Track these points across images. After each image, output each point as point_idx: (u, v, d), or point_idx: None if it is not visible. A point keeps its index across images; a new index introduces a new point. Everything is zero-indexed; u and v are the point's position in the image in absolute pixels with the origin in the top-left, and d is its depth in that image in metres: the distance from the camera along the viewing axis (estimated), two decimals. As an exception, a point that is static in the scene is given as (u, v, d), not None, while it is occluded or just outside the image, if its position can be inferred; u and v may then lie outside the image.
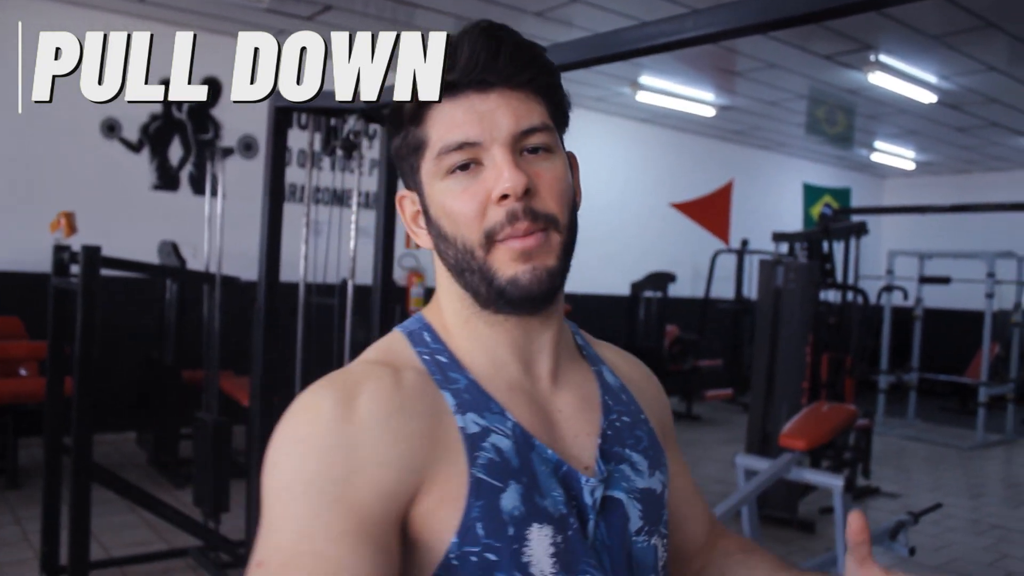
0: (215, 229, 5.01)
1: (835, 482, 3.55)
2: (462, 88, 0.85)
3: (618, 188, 10.25)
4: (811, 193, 12.74)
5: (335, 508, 0.76)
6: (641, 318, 9.52)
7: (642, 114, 10.06)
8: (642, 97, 8.98)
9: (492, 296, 0.87)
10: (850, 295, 7.18)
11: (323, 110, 2.52)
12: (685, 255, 10.93)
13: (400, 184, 0.99)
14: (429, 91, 0.84)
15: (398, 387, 0.84)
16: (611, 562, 0.87)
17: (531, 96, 0.88)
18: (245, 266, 5.23)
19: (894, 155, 11.87)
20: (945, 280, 9.54)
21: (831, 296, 7.84)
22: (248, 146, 7.51)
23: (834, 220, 6.78)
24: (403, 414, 0.82)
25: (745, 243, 10.62)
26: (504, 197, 0.84)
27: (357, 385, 0.83)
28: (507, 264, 0.85)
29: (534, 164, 0.87)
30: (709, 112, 9.60)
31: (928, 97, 8.29)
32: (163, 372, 6.16)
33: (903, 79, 7.67)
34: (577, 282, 7.60)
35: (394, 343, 0.92)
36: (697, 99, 9.13)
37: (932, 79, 7.74)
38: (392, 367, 0.86)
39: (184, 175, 7.27)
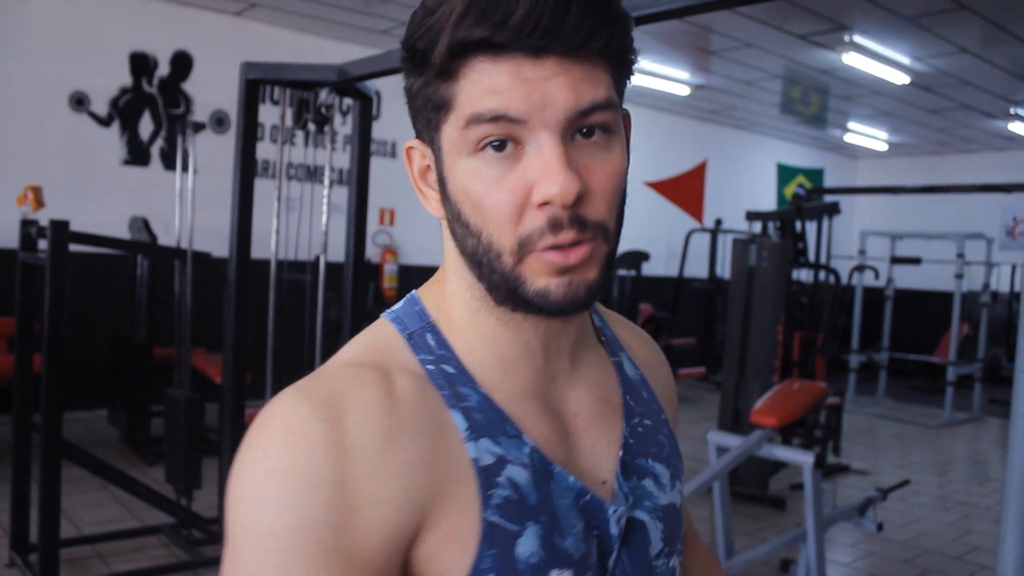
0: (186, 204, 4.96)
1: (805, 459, 3.58)
2: (511, 48, 0.65)
3: None
4: (785, 173, 12.81)
5: (331, 561, 0.62)
6: (615, 297, 9.55)
7: (618, 93, 10.03)
8: (618, 75, 8.95)
9: (512, 300, 0.72)
10: (822, 274, 7.24)
11: (295, 83, 2.49)
12: (659, 234, 10.96)
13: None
14: (465, 39, 0.65)
15: (393, 400, 0.69)
16: None
17: (598, 64, 0.68)
18: (217, 242, 5.17)
19: (867, 136, 11.95)
20: (916, 260, 9.63)
21: (803, 276, 7.91)
22: (220, 121, 7.42)
23: (807, 200, 6.81)
24: (403, 436, 0.67)
25: (719, 222, 10.67)
26: (547, 203, 0.67)
27: (344, 398, 0.67)
28: (539, 275, 0.69)
29: (588, 155, 0.68)
30: (684, 91, 9.60)
31: (901, 78, 8.34)
32: (134, 349, 6.11)
33: (877, 60, 7.70)
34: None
35: (386, 341, 0.75)
36: (672, 78, 9.13)
37: (905, 60, 7.78)
38: (382, 371, 0.71)
39: (155, 150, 7.17)
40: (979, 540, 5.18)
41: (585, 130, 0.68)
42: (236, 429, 2.64)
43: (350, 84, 2.43)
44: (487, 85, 0.65)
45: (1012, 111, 9.69)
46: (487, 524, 0.68)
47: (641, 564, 0.78)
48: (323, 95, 2.49)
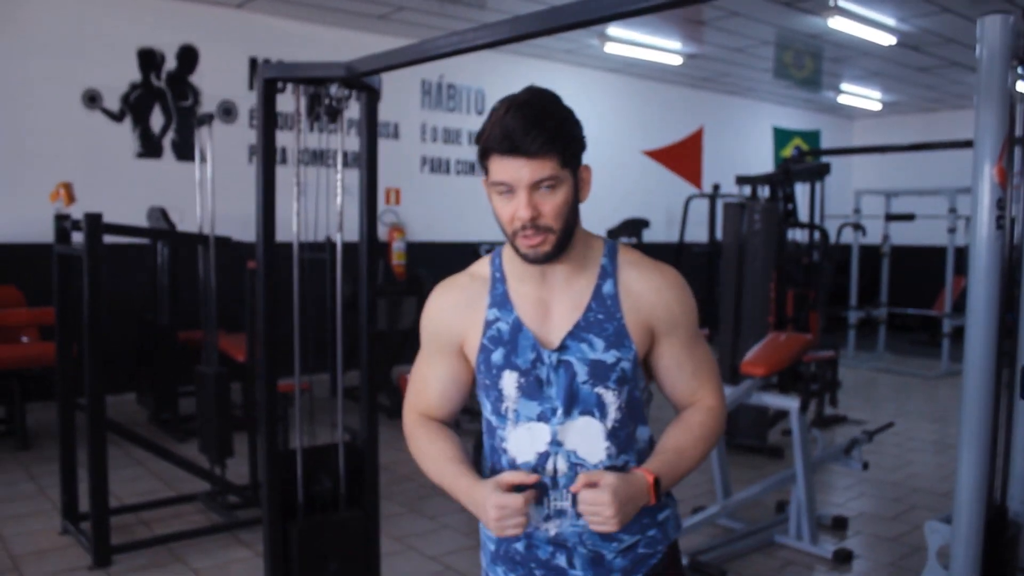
0: (206, 192, 5.23)
1: (791, 404, 3.86)
2: (503, 152, 1.41)
3: (591, 138, 10.10)
4: (781, 136, 13.00)
5: (432, 348, 1.63)
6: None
7: (611, 64, 10.25)
8: (610, 48, 9.17)
9: (518, 254, 1.49)
10: (816, 234, 7.48)
11: (308, 80, 2.74)
12: (659, 201, 11.20)
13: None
14: (487, 149, 1.45)
15: (463, 290, 1.60)
16: (558, 394, 1.51)
17: (546, 157, 1.40)
18: (230, 227, 5.46)
19: (861, 96, 12.12)
20: (910, 217, 9.84)
21: (802, 236, 8.15)
22: (228, 111, 7.68)
23: (798, 162, 7.04)
24: (462, 304, 1.58)
25: (717, 187, 10.89)
26: (520, 219, 1.44)
27: (450, 285, 1.62)
28: (523, 246, 1.46)
29: (543, 197, 1.43)
30: (677, 60, 9.80)
31: (888, 39, 8.52)
32: (159, 333, 6.41)
33: (862, 23, 7.89)
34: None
35: (483, 261, 1.63)
36: (664, 48, 9.33)
37: (891, 22, 7.97)
38: (471, 276, 1.61)
39: (167, 142, 7.44)
40: (967, 479, 5.44)
41: (543, 187, 1.42)
42: (271, 399, 2.91)
43: (357, 79, 2.69)
44: (497, 167, 1.43)
45: (1000, 66, 9.85)
46: (482, 344, 1.56)
47: (566, 382, 1.51)
48: (333, 89, 2.74)
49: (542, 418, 1.52)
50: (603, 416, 1.52)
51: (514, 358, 1.52)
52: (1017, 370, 3.04)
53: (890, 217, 10.11)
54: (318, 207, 3.29)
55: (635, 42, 9.02)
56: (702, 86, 11.54)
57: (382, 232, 8.64)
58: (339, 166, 3.02)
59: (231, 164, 7.39)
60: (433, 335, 1.61)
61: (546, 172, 1.41)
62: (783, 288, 6.32)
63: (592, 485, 1.41)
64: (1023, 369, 1.25)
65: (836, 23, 7.84)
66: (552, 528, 1.53)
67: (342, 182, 3.04)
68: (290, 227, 3.00)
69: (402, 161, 8.93)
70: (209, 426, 4.48)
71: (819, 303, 6.98)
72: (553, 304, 1.54)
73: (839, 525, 4.50)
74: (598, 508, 1.39)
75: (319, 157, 3.25)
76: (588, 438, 1.51)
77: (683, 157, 11.79)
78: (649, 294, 1.54)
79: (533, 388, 1.52)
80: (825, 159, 9.28)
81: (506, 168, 1.41)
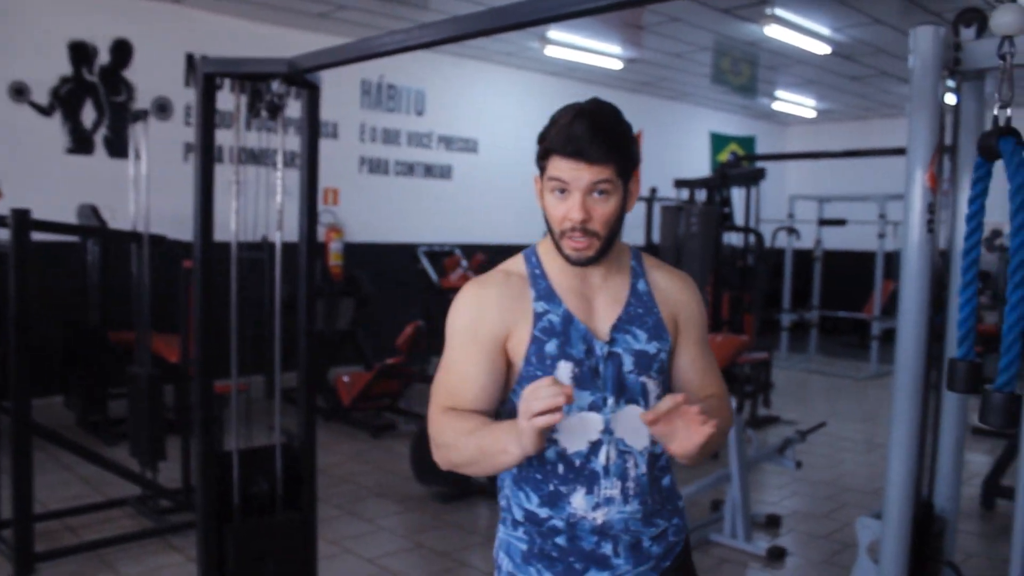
0: (140, 190, 5.11)
1: (729, 406, 3.92)
2: (565, 155, 1.50)
3: (530, 141, 10.27)
4: (718, 141, 13.20)
5: (472, 344, 1.57)
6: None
7: (552, 68, 10.30)
8: (551, 51, 9.21)
9: (561, 253, 1.57)
10: (751, 238, 7.61)
11: (250, 76, 2.69)
12: (598, 205, 11.26)
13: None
14: (551, 149, 1.53)
15: (505, 285, 1.60)
16: (608, 383, 1.56)
17: (605, 164, 1.49)
18: (164, 226, 5.33)
19: (795, 104, 12.37)
20: (841, 222, 10.07)
21: (735, 240, 8.28)
22: (163, 108, 7.51)
23: (734, 167, 7.15)
24: (507, 296, 1.58)
25: (654, 191, 10.99)
26: (571, 220, 1.51)
27: (486, 282, 1.62)
28: (567, 247, 1.54)
29: (596, 202, 1.51)
30: (616, 65, 9.88)
31: (823, 48, 8.71)
32: (89, 334, 6.24)
33: (798, 31, 8.06)
34: (492, 234, 7.88)
35: (517, 259, 1.66)
36: (605, 52, 9.40)
37: (825, 31, 8.15)
38: (507, 273, 1.63)
39: (99, 138, 7.25)
40: (896, 478, 5.59)
41: (598, 191, 1.50)
42: (206, 399, 2.85)
43: (299, 75, 2.66)
44: (557, 166, 1.51)
45: (928, 76, 10.14)
46: (533, 335, 1.56)
47: (615, 372, 1.57)
48: (275, 85, 2.70)
49: (593, 407, 1.56)
50: (646, 404, 1.59)
51: (568, 348, 1.55)
52: (944, 366, 3.13)
53: (823, 222, 10.34)
54: (256, 207, 3.24)
55: (575, 45, 9.08)
56: (641, 90, 11.66)
57: (320, 232, 8.54)
58: (279, 164, 2.98)
59: (166, 162, 7.22)
60: (473, 330, 1.58)
61: (604, 175, 1.49)
62: (719, 291, 6.42)
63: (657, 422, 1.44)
64: (950, 361, 1.28)
65: (772, 31, 7.99)
66: (600, 516, 1.55)
67: (282, 180, 2.99)
68: (226, 226, 2.95)
69: (341, 161, 8.85)
70: (141, 428, 4.38)
71: (754, 306, 7.10)
72: (594, 299, 1.62)
73: (772, 523, 4.58)
74: (696, 419, 1.41)
75: (256, 157, 3.20)
76: (634, 426, 1.57)
77: (622, 161, 11.87)
78: (676, 293, 1.68)
79: (587, 378, 1.56)
80: (760, 164, 9.46)
81: (566, 169, 1.50)
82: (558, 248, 1.56)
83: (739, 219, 8.92)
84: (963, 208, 3.12)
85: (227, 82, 2.79)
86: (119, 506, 4.54)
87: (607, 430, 1.55)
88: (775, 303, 10.69)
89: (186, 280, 4.54)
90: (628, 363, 1.58)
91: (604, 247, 1.55)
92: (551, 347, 1.55)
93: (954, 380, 1.27)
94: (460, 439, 1.52)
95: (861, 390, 8.89)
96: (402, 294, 8.64)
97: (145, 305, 4.58)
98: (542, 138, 1.55)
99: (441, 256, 8.43)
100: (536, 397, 1.34)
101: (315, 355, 3.11)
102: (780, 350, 10.30)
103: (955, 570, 3.16)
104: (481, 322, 1.57)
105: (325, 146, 8.23)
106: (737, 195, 9.03)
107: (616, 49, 9.35)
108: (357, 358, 7.74)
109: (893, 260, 10.71)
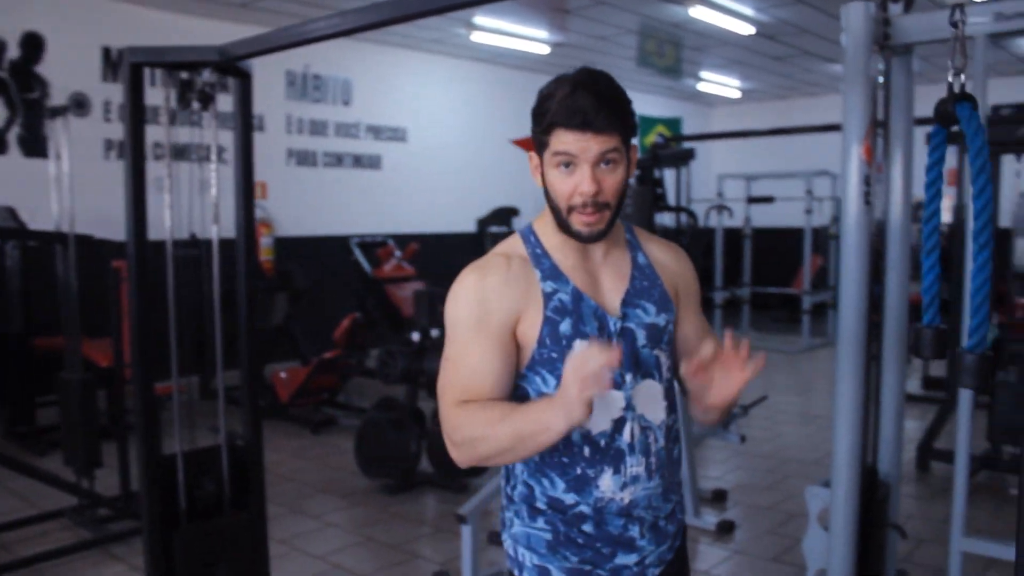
0: (63, 189, 4.92)
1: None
2: (572, 127, 1.45)
3: (460, 128, 10.45)
4: (645, 123, 13.29)
5: (480, 333, 1.50)
6: (486, 252, 9.79)
7: (479, 54, 10.24)
8: (477, 37, 9.16)
9: (564, 231, 1.53)
10: (683, 217, 7.69)
11: (178, 64, 2.60)
12: (528, 189, 11.21)
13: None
14: (555, 122, 1.47)
15: (508, 268, 1.54)
16: (625, 359, 1.54)
17: (612, 133, 1.46)
18: (87, 226, 5.15)
19: (720, 84, 12.53)
20: (769, 199, 10.25)
21: (669, 220, 8.36)
22: (80, 104, 7.25)
23: (663, 148, 7.21)
24: (511, 279, 1.53)
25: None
26: (582, 195, 1.47)
27: (486, 267, 1.55)
28: (577, 223, 1.50)
29: (604, 172, 1.47)
30: (544, 50, 9.87)
31: (747, 29, 8.83)
32: (11, 341, 6.01)
33: (722, 12, 8.14)
34: (425, 223, 7.82)
35: (513, 241, 1.61)
36: (531, 37, 9.38)
37: (749, 11, 8.25)
38: (507, 256, 1.57)
39: (12, 137, 6.96)
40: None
41: (605, 161, 1.47)
42: (147, 402, 2.76)
43: (231, 64, 2.57)
44: (563, 139, 1.46)
45: (847, 54, 10.36)
46: (546, 316, 1.51)
47: (630, 347, 1.55)
48: (205, 74, 2.61)
49: (613, 385, 1.52)
50: (660, 377, 1.59)
51: (582, 327, 1.52)
52: (884, 339, 3.20)
53: (751, 200, 10.50)
54: (186, 203, 3.14)
55: (502, 31, 9.04)
56: (568, 75, 11.66)
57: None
58: (213, 157, 2.88)
59: (86, 160, 6.97)
60: (481, 318, 1.51)
61: (611, 144, 1.46)
62: (656, 271, 6.46)
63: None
64: (917, 328, 1.31)
65: (698, 12, 8.06)
66: (627, 496, 1.54)
67: (217, 173, 2.90)
68: (155, 224, 2.85)
69: (268, 154, 8.66)
70: (75, 436, 4.24)
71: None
72: (599, 275, 1.59)
73: (719, 497, 4.64)
74: (738, 363, 1.43)
75: (181, 152, 3.09)
76: (652, 399, 1.57)
77: (551, 146, 11.88)
78: (672, 263, 1.69)
79: None
80: (689, 145, 9.56)
81: (573, 141, 1.45)
82: (564, 226, 1.52)
83: (671, 199, 9.01)
84: (897, 181, 3.20)
85: (150, 76, 2.69)
86: (55, 518, 4.38)
87: (629, 406, 1.54)
88: (708, 281, 10.85)
89: (116, 281, 4.39)
90: (641, 337, 1.57)
91: (613, 219, 1.52)
92: (565, 327, 1.51)
93: (921, 346, 1.28)
94: (490, 429, 1.44)
95: (795, 363, 9.08)
96: (336, 287, 8.52)
97: (73, 308, 4.42)
98: (542, 113, 1.50)
99: (374, 247, 8.32)
100: (585, 361, 1.29)
101: (257, 351, 3.03)
102: (714, 327, 10.46)
103: (900, 531, 3.25)
104: (488, 310, 1.51)
105: (234, 142, 8.06)
106: (668, 176, 9.12)
107: (543, 33, 9.34)
108: (293, 353, 7.61)
109: (820, 235, 10.98)
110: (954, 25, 1.29)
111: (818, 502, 3.03)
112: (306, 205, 9.03)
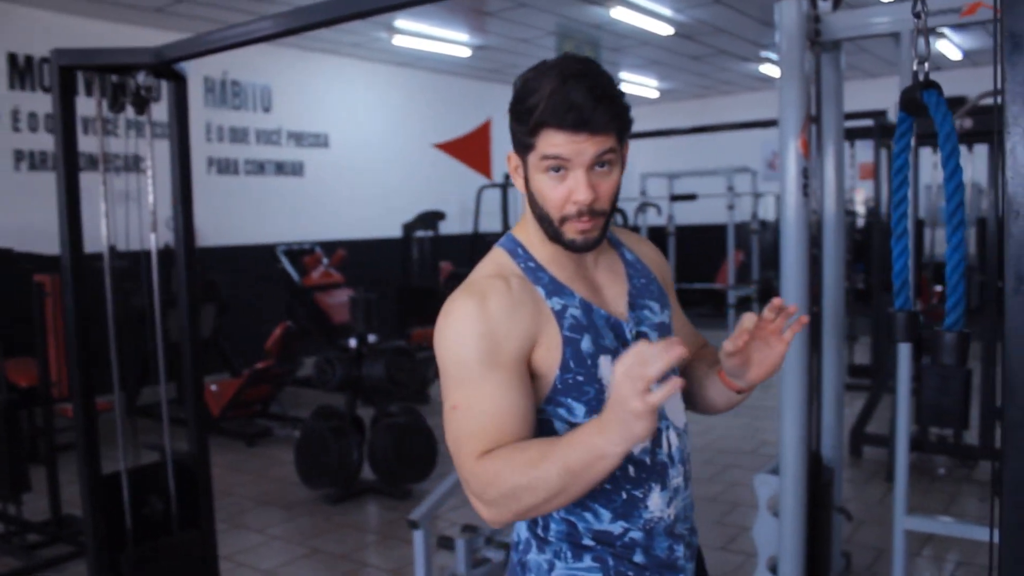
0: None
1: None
2: (564, 127, 1.27)
3: (382, 133, 10.37)
4: (567, 125, 13.39)
5: (493, 369, 1.28)
6: (415, 257, 9.71)
7: (400, 58, 10.18)
8: (399, 41, 9.10)
9: (555, 241, 1.38)
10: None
11: (111, 67, 2.51)
12: (452, 193, 11.24)
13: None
14: (543, 121, 1.28)
15: (509, 290, 1.34)
16: None
17: (608, 133, 1.30)
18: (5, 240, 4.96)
19: (639, 84, 12.70)
20: (692, 197, 10.42)
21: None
22: (-13, 114, 6.96)
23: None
24: (517, 305, 1.33)
25: (507, 177, 11.07)
26: (577, 203, 1.31)
27: (484, 292, 1.33)
28: (571, 232, 1.34)
29: (599, 176, 1.32)
30: (465, 52, 9.87)
31: (666, 29, 8.97)
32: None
33: (641, 12, 8.26)
34: (351, 229, 7.74)
35: (499, 258, 1.42)
36: (452, 40, 9.37)
37: (668, 12, 8.38)
38: (502, 276, 1.37)
39: (-85, 150, 6.65)
40: (767, 436, 5.88)
41: (599, 164, 1.31)
42: (88, 420, 2.66)
43: (166, 66, 2.49)
44: (553, 140, 1.28)
45: (763, 55, 10.62)
46: (565, 337, 1.34)
47: None
48: (140, 77, 2.52)
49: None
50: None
51: (601, 340, 1.36)
52: (824, 331, 3.28)
53: (675, 198, 10.67)
54: (112, 213, 3.05)
55: (423, 34, 9.00)
56: (490, 78, 11.69)
57: (169, 238, 8.14)
58: (151, 162, 2.79)
59: (-5, 172, 6.70)
60: (491, 351, 1.29)
61: (607, 145, 1.30)
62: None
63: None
64: (890, 313, 1.34)
65: (617, 13, 8.16)
66: (672, 511, 1.41)
67: (154, 180, 2.81)
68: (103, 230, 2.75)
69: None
70: (0, 460, 4.05)
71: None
72: (598, 281, 1.45)
73: (662, 492, 4.70)
74: (776, 331, 1.35)
75: (93, 162, 2.99)
76: (675, 403, 1.46)
77: (473, 148, 11.80)
78: (653, 255, 1.61)
79: None
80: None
81: (566, 143, 1.28)
82: (555, 236, 1.36)
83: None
84: (830, 173, 3.28)
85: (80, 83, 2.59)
86: (-20, 545, 4.19)
87: (663, 416, 1.41)
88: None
89: (39, 296, 4.22)
90: (654, 338, 1.44)
91: (607, 225, 1.38)
92: (586, 344, 1.34)
93: (895, 330, 1.31)
94: (534, 472, 1.20)
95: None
96: (264, 296, 8.36)
97: (-5, 326, 4.23)
98: (526, 111, 1.30)
99: (301, 255, 8.19)
100: (645, 364, 1.07)
101: (200, 364, 2.95)
102: (642, 325, 10.58)
103: (846, 514, 3.34)
104: (498, 341, 1.29)
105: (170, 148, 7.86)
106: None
107: (464, 36, 9.33)
108: (223, 365, 7.44)
109: (742, 231, 11.22)
110: (916, 16, 1.33)
111: (767, 489, 3.09)
112: (229, 214, 8.83)
